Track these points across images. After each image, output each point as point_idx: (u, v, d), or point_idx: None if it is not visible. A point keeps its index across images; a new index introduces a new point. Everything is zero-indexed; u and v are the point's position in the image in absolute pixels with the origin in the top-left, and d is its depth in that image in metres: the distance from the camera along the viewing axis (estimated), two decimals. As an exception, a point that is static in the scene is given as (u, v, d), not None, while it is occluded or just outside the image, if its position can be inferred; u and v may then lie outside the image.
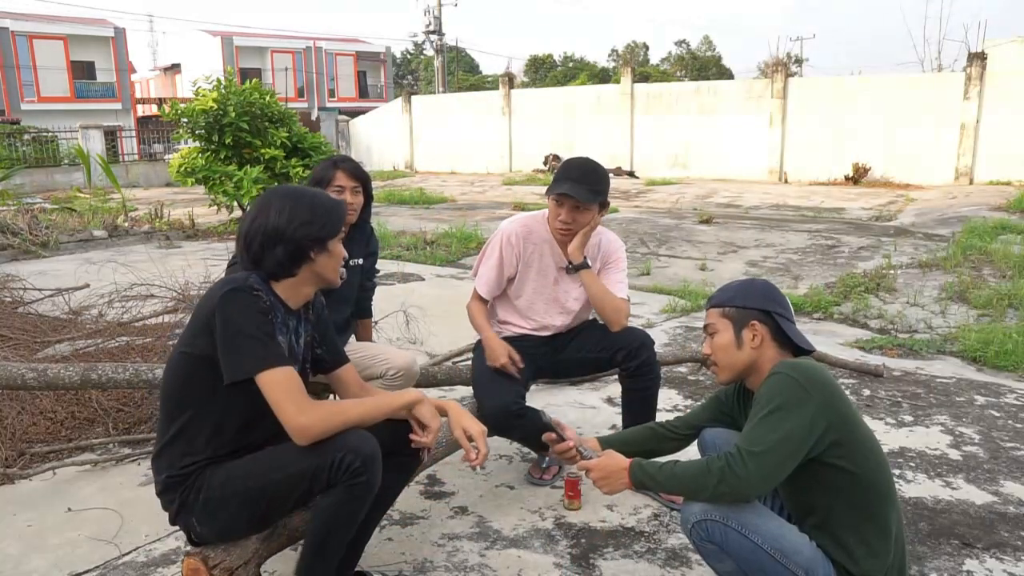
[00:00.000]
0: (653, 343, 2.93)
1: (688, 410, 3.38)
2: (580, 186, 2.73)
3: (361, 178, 2.91)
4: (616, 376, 3.06)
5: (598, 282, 2.91)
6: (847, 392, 3.85)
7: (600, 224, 2.91)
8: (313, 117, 26.96)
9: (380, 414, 1.95)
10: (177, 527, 2.57)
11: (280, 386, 1.79)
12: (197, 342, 1.84)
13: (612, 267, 2.98)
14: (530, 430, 2.55)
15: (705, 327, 2.04)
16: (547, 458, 2.97)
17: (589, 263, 2.90)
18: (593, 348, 2.96)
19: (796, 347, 1.95)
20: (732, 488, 1.74)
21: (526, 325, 3.02)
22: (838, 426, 1.77)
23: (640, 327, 3.55)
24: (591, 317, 3.15)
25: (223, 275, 2.85)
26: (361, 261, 3.03)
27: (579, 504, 2.76)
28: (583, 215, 2.78)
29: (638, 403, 2.90)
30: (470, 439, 2.01)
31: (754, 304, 1.95)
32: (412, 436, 2.03)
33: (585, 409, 3.76)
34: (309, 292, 2.01)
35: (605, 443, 2.24)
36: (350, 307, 3.03)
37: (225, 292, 1.81)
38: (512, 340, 2.94)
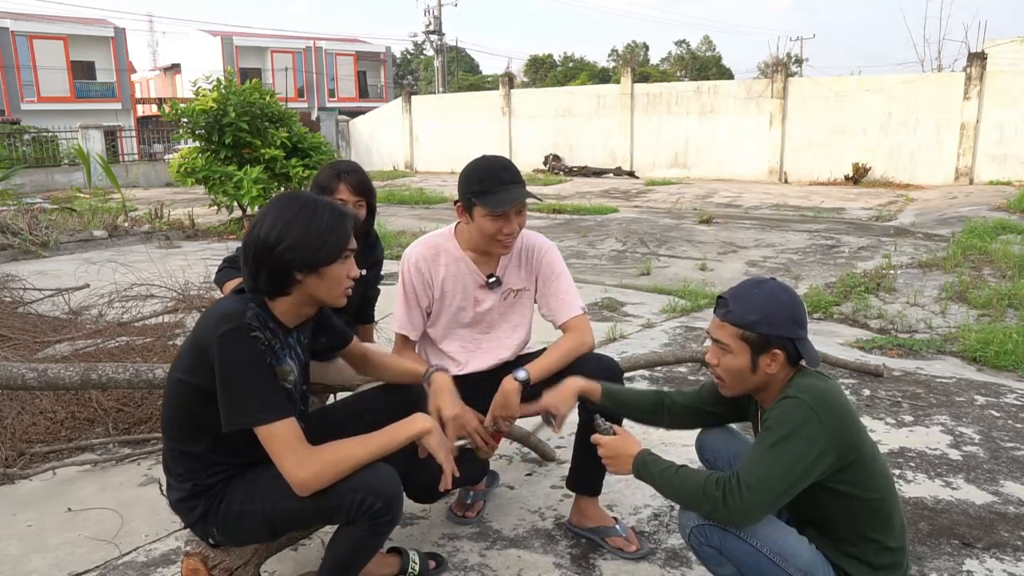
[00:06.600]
0: (622, 372, 2.52)
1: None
2: (519, 187, 2.35)
3: (365, 192, 2.80)
4: None
5: (556, 354, 2.41)
6: (847, 392, 3.86)
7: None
8: (313, 117, 26.96)
9: (388, 451, 1.87)
10: (180, 528, 2.59)
11: (278, 439, 1.75)
12: (198, 374, 1.77)
13: (556, 277, 2.54)
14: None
15: (714, 339, 1.86)
16: (471, 493, 2.73)
17: (518, 284, 2.51)
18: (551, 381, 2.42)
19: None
20: (725, 519, 1.71)
21: (461, 369, 2.55)
22: (847, 453, 1.73)
23: (641, 324, 3.51)
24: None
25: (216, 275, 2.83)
26: (364, 272, 2.92)
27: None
28: (523, 216, 2.39)
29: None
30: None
31: (779, 331, 1.78)
32: (441, 487, 2.00)
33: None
34: (308, 312, 1.93)
35: (607, 392, 2.19)
36: (350, 314, 3.02)
37: (222, 333, 1.73)
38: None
